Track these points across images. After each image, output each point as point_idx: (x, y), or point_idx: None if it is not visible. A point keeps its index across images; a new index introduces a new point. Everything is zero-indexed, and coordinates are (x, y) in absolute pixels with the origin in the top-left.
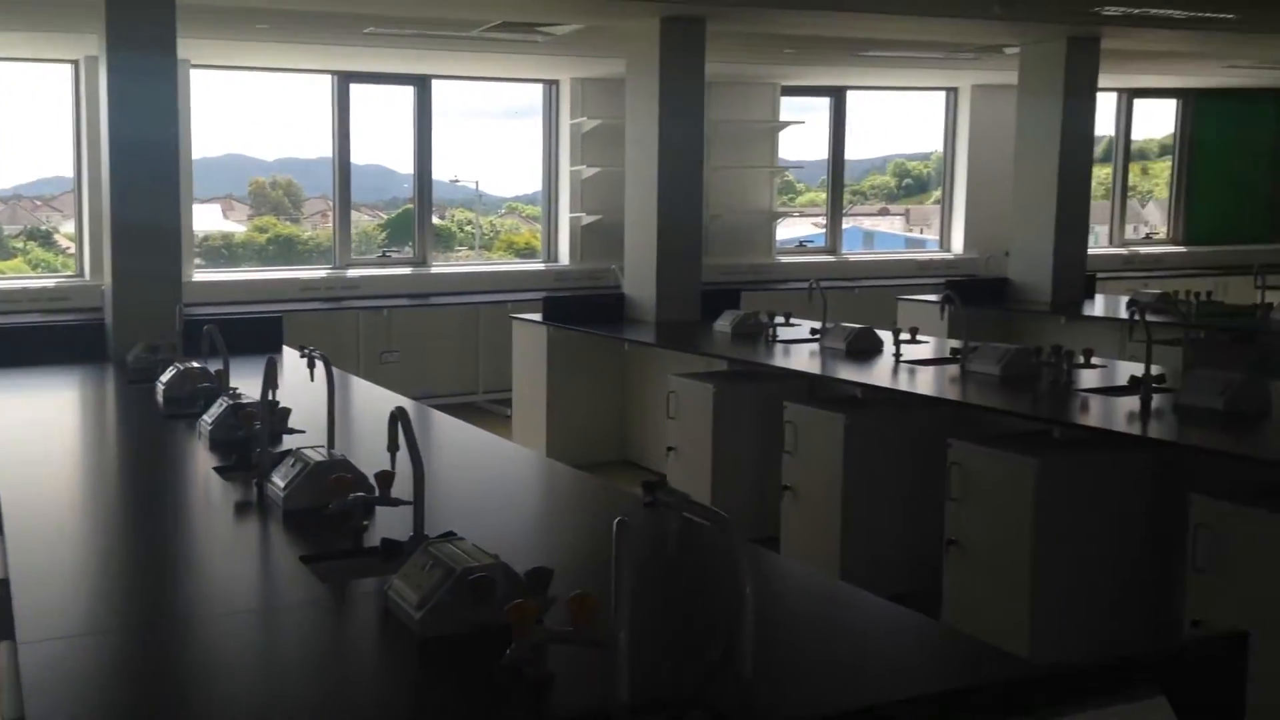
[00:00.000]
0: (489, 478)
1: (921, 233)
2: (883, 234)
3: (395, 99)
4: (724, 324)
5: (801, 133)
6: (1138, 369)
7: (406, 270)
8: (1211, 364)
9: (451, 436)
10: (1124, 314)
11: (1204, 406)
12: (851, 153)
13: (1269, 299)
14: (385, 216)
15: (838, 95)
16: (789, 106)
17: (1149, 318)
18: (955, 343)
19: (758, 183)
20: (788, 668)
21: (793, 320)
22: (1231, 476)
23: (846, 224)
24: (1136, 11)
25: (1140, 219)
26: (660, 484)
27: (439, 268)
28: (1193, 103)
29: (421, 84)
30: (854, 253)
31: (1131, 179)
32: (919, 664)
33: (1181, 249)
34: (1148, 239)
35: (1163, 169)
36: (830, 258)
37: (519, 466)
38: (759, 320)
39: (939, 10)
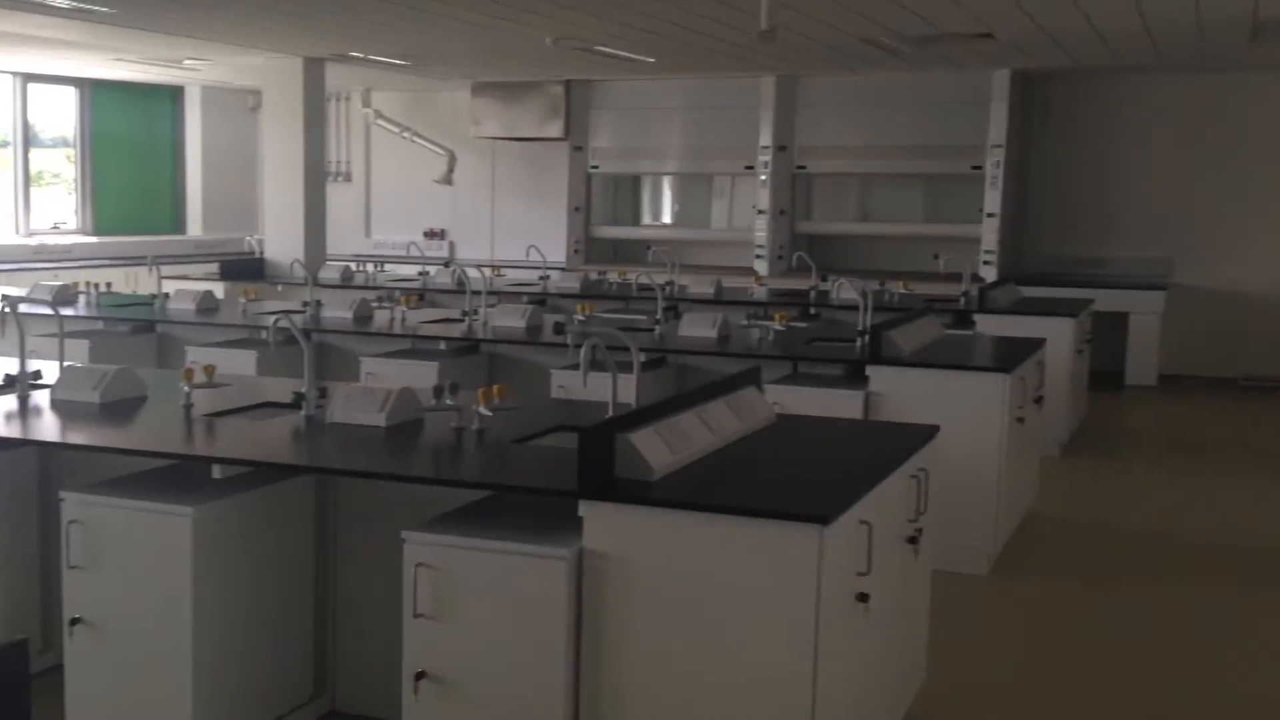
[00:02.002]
0: None
1: None
2: None
3: None
4: None
5: None
6: (14, 366)
7: None
8: (113, 357)
9: None
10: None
11: (81, 400)
12: None
13: (166, 289)
14: None
15: None
16: None
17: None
18: None
19: None
20: None
21: None
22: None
23: None
24: None
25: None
26: None
27: None
28: (90, 93)
29: None
30: None
31: (51, 167)
32: None
33: (92, 239)
34: (56, 229)
35: (69, 157)
36: None
37: None
38: None
39: None
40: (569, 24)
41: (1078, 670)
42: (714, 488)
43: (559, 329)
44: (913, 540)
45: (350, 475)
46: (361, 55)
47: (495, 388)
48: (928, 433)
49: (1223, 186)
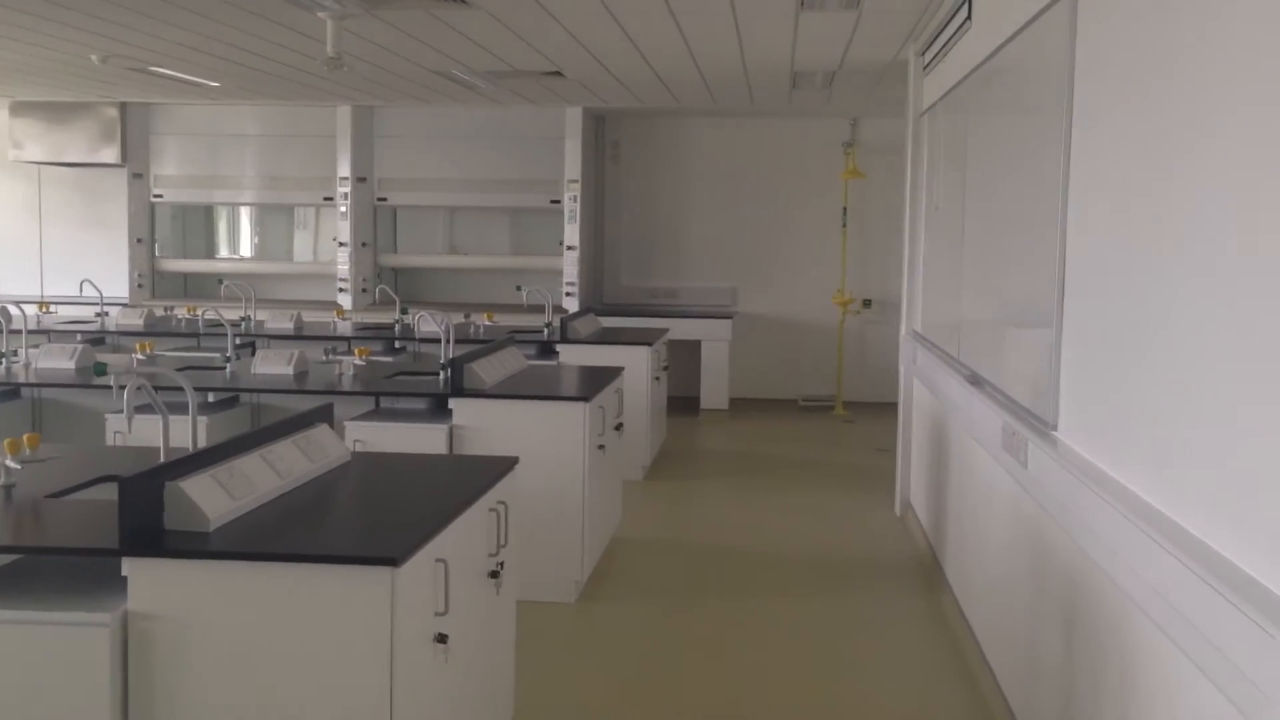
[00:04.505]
0: None
1: None
2: None
3: None
4: None
5: None
6: None
7: None
8: None
9: None
10: None
11: None
12: None
13: None
14: None
15: None
16: None
17: None
18: None
19: None
20: None
21: None
22: None
23: None
24: None
25: None
26: None
27: None
28: None
29: None
30: None
31: None
32: None
33: None
34: None
35: None
36: None
37: None
38: None
39: None
40: (116, 40)
41: (662, 686)
42: (278, 534)
43: (100, 370)
44: (494, 575)
45: None
46: None
47: (26, 437)
48: (507, 464)
49: (776, 221)
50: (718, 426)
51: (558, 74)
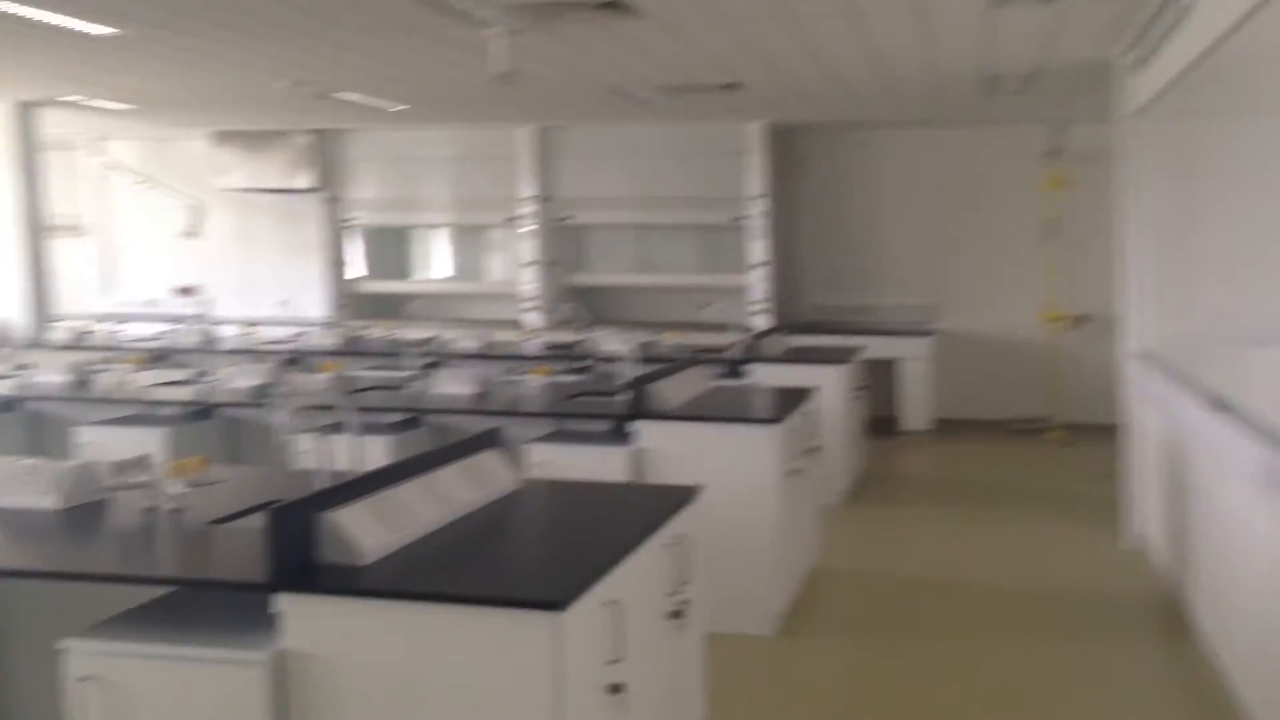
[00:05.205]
0: None
1: None
2: None
3: None
4: None
5: None
6: None
7: None
8: None
9: None
10: None
11: None
12: None
13: None
14: None
15: None
16: None
17: None
18: None
19: None
20: None
21: None
22: None
23: None
24: None
25: None
26: None
27: None
28: None
29: None
30: None
31: None
32: None
33: None
34: None
35: None
36: None
37: None
38: None
39: None
40: (301, 67)
41: None
42: (435, 571)
43: (267, 393)
44: (676, 615)
45: None
46: (80, 99)
47: (193, 460)
48: (687, 494)
49: (974, 235)
50: (919, 449)
51: (736, 86)
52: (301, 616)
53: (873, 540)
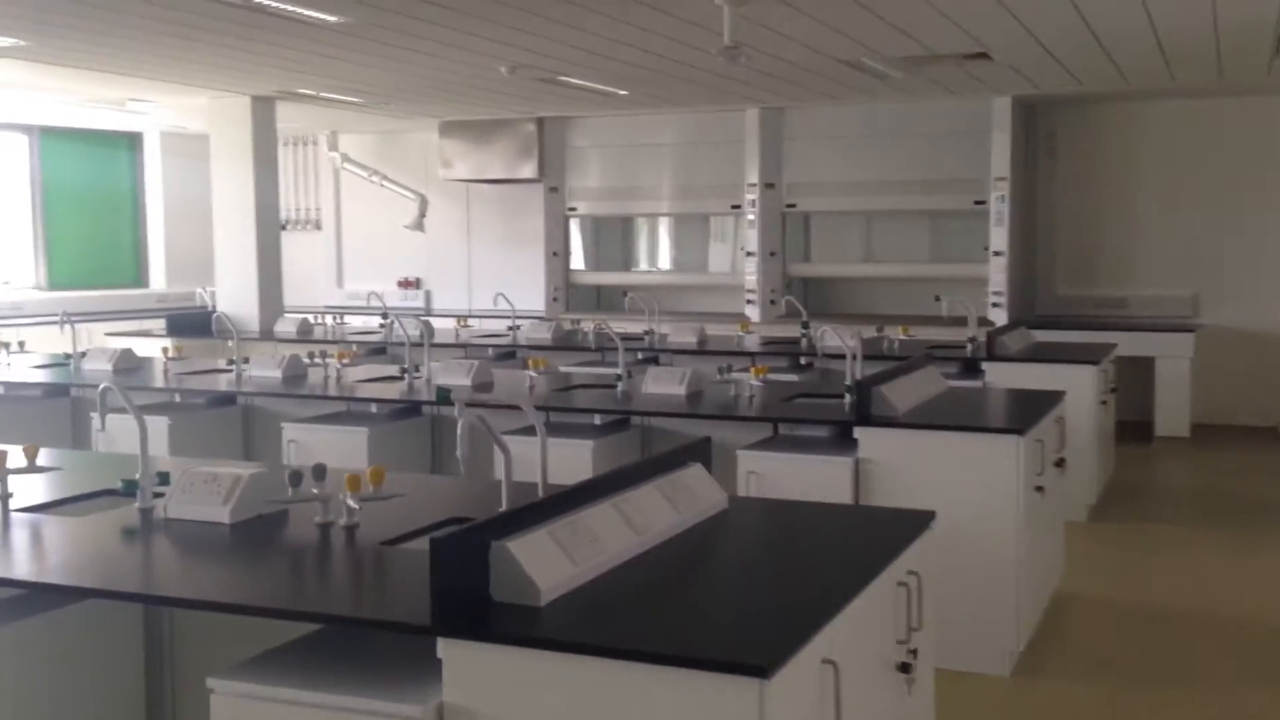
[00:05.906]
0: None
1: None
2: None
3: None
4: None
5: None
6: None
7: None
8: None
9: None
10: None
11: None
12: None
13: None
14: None
15: None
16: None
17: None
18: None
19: None
20: None
21: None
22: None
23: None
24: None
25: None
26: None
27: None
28: (38, 140)
29: None
30: None
31: None
32: None
33: (45, 295)
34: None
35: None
36: None
37: None
38: None
39: None
40: (523, 49)
41: None
42: (621, 616)
43: (442, 397)
44: (904, 668)
45: (124, 599)
46: (312, 92)
47: (370, 471)
48: (920, 521)
49: (1250, 218)
50: (1177, 458)
51: (983, 56)
52: (464, 666)
53: (1123, 563)
